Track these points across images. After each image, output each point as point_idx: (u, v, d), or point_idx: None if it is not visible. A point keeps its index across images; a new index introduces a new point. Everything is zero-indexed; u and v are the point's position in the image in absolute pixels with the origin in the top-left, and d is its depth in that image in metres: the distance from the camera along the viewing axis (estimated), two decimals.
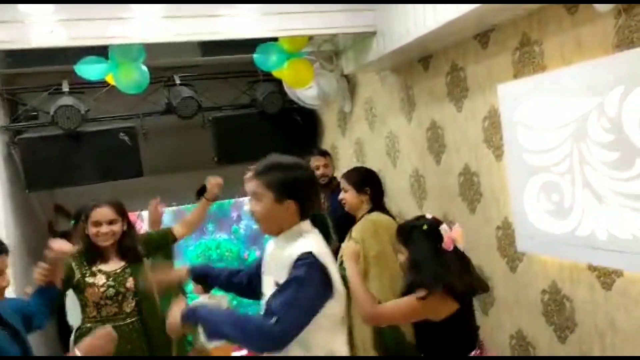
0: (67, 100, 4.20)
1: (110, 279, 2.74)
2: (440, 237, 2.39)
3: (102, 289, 2.71)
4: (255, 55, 3.91)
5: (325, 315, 1.89)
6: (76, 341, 2.72)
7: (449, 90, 3.45)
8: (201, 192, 5.67)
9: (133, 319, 2.77)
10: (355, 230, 3.09)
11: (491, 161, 3.16)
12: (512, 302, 3.18)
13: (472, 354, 2.36)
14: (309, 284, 1.83)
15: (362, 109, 4.55)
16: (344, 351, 2.00)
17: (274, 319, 1.76)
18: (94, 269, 2.76)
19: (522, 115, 2.80)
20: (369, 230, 3.06)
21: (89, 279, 2.73)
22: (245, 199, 5.25)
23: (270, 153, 4.40)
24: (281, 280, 1.86)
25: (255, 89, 4.97)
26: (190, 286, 3.56)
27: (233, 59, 4.72)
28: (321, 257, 1.89)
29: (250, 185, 1.99)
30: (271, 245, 2.08)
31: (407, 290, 2.35)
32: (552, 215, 2.73)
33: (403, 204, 4.01)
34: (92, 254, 2.78)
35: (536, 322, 3.00)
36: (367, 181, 3.23)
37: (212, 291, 4.46)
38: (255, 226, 5.22)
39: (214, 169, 5.10)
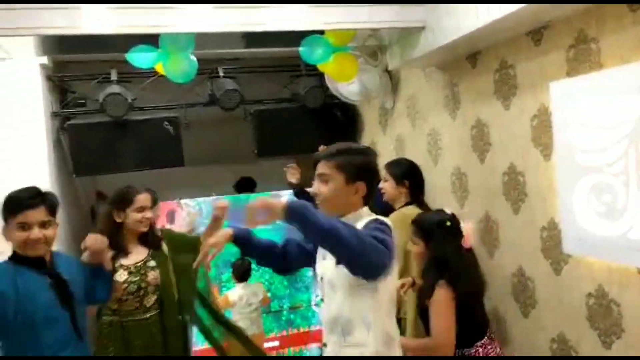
0: (115, 88, 4.30)
1: (132, 274, 2.72)
2: (460, 234, 2.46)
3: (123, 285, 2.69)
4: (301, 48, 3.91)
5: (386, 290, 1.95)
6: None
7: (497, 88, 3.40)
8: (239, 185, 5.76)
9: (153, 313, 2.76)
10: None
11: (539, 160, 3.10)
12: (554, 304, 3.11)
13: (480, 342, 2.43)
14: (385, 236, 1.84)
15: (405, 105, 4.51)
16: (395, 333, 2.04)
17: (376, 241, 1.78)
18: (115, 265, 2.71)
19: (575, 113, 2.74)
20: (398, 221, 3.09)
21: None
22: (283, 192, 5.32)
23: (309, 148, 4.42)
24: None
25: (297, 83, 5.00)
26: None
27: (275, 53, 4.76)
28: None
29: (319, 167, 2.02)
30: None
31: (431, 287, 2.42)
32: (602, 216, 2.66)
33: (443, 202, 3.96)
34: (116, 245, 2.73)
35: (580, 326, 2.93)
36: (407, 174, 3.29)
37: (249, 280, 4.54)
38: None
39: (254, 162, 5.17)
